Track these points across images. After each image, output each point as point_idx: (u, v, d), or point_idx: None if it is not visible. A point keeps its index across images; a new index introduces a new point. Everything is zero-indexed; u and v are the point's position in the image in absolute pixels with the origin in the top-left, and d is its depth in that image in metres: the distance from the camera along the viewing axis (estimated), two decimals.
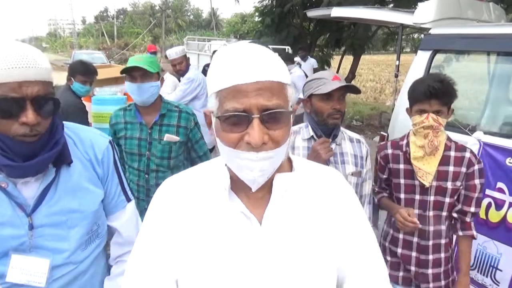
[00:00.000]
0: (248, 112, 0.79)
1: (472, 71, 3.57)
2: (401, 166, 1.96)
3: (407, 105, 1.95)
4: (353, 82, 12.19)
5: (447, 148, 1.89)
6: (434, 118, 1.80)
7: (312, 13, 5.06)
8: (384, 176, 2.03)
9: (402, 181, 1.96)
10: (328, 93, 1.72)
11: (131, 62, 2.21)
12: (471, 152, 1.92)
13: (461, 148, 1.92)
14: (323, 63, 11.28)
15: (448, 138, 1.92)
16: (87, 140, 1.29)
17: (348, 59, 11.39)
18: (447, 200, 1.91)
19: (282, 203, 0.92)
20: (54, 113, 1.11)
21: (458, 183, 1.89)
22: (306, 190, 0.96)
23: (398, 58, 3.29)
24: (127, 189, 1.40)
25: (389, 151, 2.00)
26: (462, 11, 3.21)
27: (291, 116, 0.86)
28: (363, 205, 1.88)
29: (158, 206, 0.97)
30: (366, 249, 1.00)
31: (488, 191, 2.46)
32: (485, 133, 2.62)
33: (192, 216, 0.92)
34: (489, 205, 2.48)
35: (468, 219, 1.93)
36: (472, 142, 2.53)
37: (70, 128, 1.27)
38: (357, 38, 9.59)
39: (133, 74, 2.20)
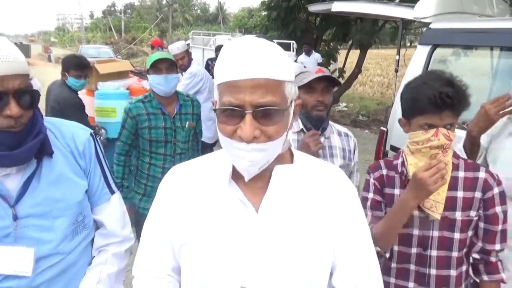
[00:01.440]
0: (242, 108, 0.84)
1: (473, 66, 3.54)
2: (397, 191, 1.52)
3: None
4: (359, 77, 12.10)
5: (454, 168, 1.45)
6: (445, 135, 1.36)
7: (313, 8, 5.06)
8: (382, 201, 1.55)
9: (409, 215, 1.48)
10: (311, 86, 1.76)
11: (155, 56, 2.49)
12: (487, 171, 1.47)
13: (473, 166, 1.47)
14: (329, 58, 11.21)
15: (455, 154, 1.49)
16: (68, 132, 1.31)
17: (355, 54, 11.29)
18: (457, 235, 1.44)
19: (280, 193, 0.95)
20: (35, 104, 1.14)
21: (473, 213, 1.43)
22: (305, 182, 0.99)
23: (398, 53, 3.27)
24: (111, 181, 1.40)
25: (384, 171, 1.56)
26: (464, 6, 3.18)
27: (289, 111, 0.90)
28: None
29: (165, 190, 1.05)
30: (360, 246, 1.02)
31: None
32: None
33: (194, 202, 0.98)
34: None
35: (493, 259, 1.47)
36: None
37: (51, 122, 1.29)
38: (364, 33, 9.51)
39: (159, 66, 2.46)
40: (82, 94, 4.08)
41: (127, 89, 4.14)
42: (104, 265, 1.34)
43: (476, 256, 1.48)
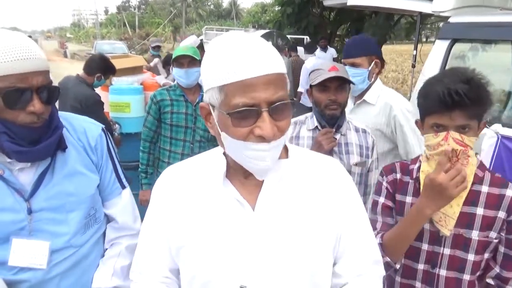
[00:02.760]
0: (257, 106, 0.81)
1: (493, 61, 3.45)
2: (408, 199, 1.37)
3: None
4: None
5: (477, 180, 1.28)
6: (456, 139, 1.21)
7: (328, 2, 5.00)
8: (393, 207, 1.41)
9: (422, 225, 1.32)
10: (324, 84, 1.73)
11: (179, 52, 2.69)
12: None
13: (501, 182, 1.29)
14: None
15: (481, 166, 1.32)
16: (80, 127, 1.32)
17: None
18: (471, 257, 1.28)
19: (276, 190, 0.93)
20: (55, 100, 1.16)
21: (493, 234, 1.27)
22: (300, 176, 0.97)
23: (416, 48, 3.21)
24: (122, 176, 1.42)
25: (398, 175, 1.41)
26: None
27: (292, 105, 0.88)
28: (369, 195, 1.87)
29: (160, 193, 1.03)
30: (360, 235, 1.01)
31: None
32: (506, 126, 2.54)
33: (190, 203, 0.97)
34: None
35: None
36: (489, 135, 2.46)
37: (63, 117, 1.30)
38: (378, 28, 9.39)
39: (181, 61, 2.65)
40: (97, 89, 4.12)
41: (141, 84, 4.16)
42: (117, 257, 1.36)
43: (491, 282, 1.32)
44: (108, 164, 1.36)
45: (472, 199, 1.28)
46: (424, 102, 1.28)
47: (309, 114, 1.91)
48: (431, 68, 2.72)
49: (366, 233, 1.03)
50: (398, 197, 1.40)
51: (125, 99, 3.92)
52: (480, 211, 1.27)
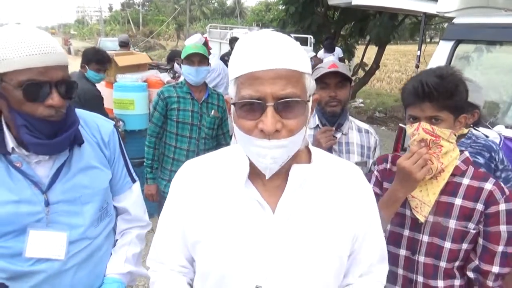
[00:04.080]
0: (263, 100, 0.81)
1: (498, 62, 3.44)
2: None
3: None
4: (377, 73, 11.93)
5: (459, 172, 1.36)
6: (426, 129, 1.31)
7: (333, 1, 4.99)
8: (380, 194, 1.47)
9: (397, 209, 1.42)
10: (324, 81, 1.75)
11: (190, 50, 2.73)
12: (497, 184, 1.33)
13: (482, 176, 1.35)
14: (348, 53, 11.07)
15: (466, 160, 1.39)
16: (93, 123, 1.35)
17: (373, 49, 11.12)
18: (448, 245, 1.34)
19: (297, 194, 0.93)
20: (73, 95, 1.19)
21: (471, 225, 1.33)
22: (322, 182, 0.97)
23: (420, 48, 3.21)
24: (132, 170, 1.47)
25: (388, 165, 1.50)
26: (489, 0, 3.10)
27: (308, 105, 0.87)
28: None
29: (180, 185, 1.04)
30: (373, 250, 1.03)
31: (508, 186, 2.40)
32: (509, 127, 2.54)
33: (209, 199, 0.97)
34: None
35: (490, 283, 1.32)
36: (492, 136, 2.46)
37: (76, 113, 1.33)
38: (382, 28, 9.35)
39: (192, 59, 2.69)
40: (101, 86, 4.14)
41: (145, 81, 4.18)
42: (128, 245, 1.42)
43: (471, 274, 1.37)
44: (120, 159, 1.40)
45: (452, 190, 1.35)
46: (402, 96, 1.40)
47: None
48: None
49: (378, 240, 1.04)
50: (385, 185, 1.47)
51: (129, 96, 3.94)
52: (458, 201, 1.34)
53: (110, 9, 79.91)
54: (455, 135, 1.36)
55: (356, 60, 12.00)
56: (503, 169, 1.80)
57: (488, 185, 1.32)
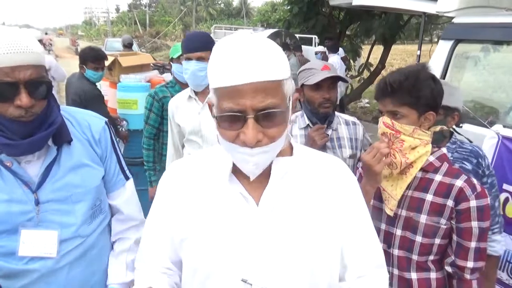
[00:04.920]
0: (243, 113, 0.83)
1: (497, 62, 3.44)
2: None
3: None
4: (383, 73, 11.89)
5: (431, 169, 1.40)
6: (386, 123, 1.37)
7: (334, 2, 5.00)
8: None
9: (371, 201, 1.48)
10: (317, 83, 1.77)
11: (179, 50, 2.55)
12: (468, 181, 1.36)
13: (454, 173, 1.39)
14: (353, 53, 11.05)
15: (442, 157, 1.42)
16: (84, 121, 1.35)
17: (379, 49, 11.07)
18: (419, 239, 1.39)
19: (280, 186, 0.95)
20: (47, 95, 1.16)
21: (442, 221, 1.36)
22: (304, 174, 0.99)
23: (420, 48, 3.22)
24: (125, 168, 1.46)
25: None
26: (490, 0, 3.09)
27: (288, 110, 0.89)
28: None
29: (165, 185, 1.06)
30: (363, 236, 1.02)
31: (505, 186, 2.40)
32: (507, 126, 2.54)
33: (195, 196, 0.99)
34: (506, 200, 2.42)
35: (468, 276, 1.36)
36: (490, 135, 2.46)
37: (66, 111, 1.34)
38: (387, 27, 9.33)
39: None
40: (105, 86, 4.19)
41: (148, 81, 4.22)
42: (127, 252, 1.42)
43: (449, 269, 1.41)
44: (112, 156, 1.40)
45: (424, 186, 1.40)
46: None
47: (299, 113, 1.96)
48: (434, 68, 2.73)
49: (368, 235, 1.04)
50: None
51: (132, 96, 3.98)
52: (429, 197, 1.38)
53: (117, 10, 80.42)
54: (426, 132, 1.38)
55: (362, 60, 11.94)
56: (489, 175, 1.81)
57: (459, 182, 1.35)
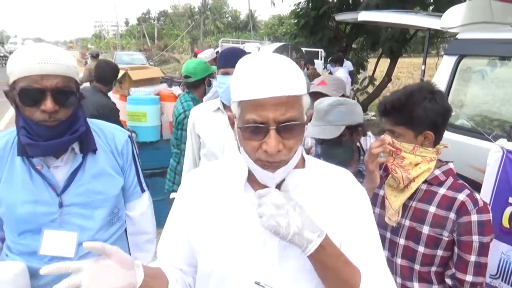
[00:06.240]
0: (266, 124, 0.90)
1: (499, 76, 3.47)
2: (381, 191, 1.56)
3: None
4: (390, 86, 11.94)
5: (436, 182, 1.44)
6: (387, 141, 1.44)
7: (340, 17, 5.09)
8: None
9: (377, 210, 1.55)
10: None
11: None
12: (471, 195, 1.38)
13: (457, 187, 1.42)
14: (359, 66, 11.13)
15: (448, 171, 1.46)
16: (109, 133, 1.45)
17: (386, 62, 11.13)
18: (421, 249, 1.42)
19: (293, 196, 0.98)
20: (73, 104, 1.26)
21: (445, 233, 1.39)
22: (316, 186, 1.04)
23: (424, 63, 3.26)
24: (143, 180, 1.55)
25: (380, 171, 1.57)
26: (494, 16, 3.14)
27: (304, 125, 0.96)
28: None
29: (184, 192, 1.12)
30: (367, 245, 1.05)
31: (511, 199, 2.40)
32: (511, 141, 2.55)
33: (212, 202, 1.05)
34: None
35: None
36: (494, 150, 2.48)
37: (94, 123, 1.44)
38: (394, 41, 9.41)
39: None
40: (115, 99, 4.28)
41: (157, 94, 4.31)
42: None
43: (449, 281, 1.42)
44: (132, 168, 1.49)
45: (427, 198, 1.44)
46: None
47: (310, 140, 2.03)
48: (439, 83, 2.77)
49: (373, 246, 1.05)
50: (376, 190, 1.57)
51: (142, 108, 4.06)
52: (432, 209, 1.42)
53: (127, 23, 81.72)
54: (428, 149, 1.42)
55: (368, 72, 12.00)
56: None
57: (461, 196, 1.38)
